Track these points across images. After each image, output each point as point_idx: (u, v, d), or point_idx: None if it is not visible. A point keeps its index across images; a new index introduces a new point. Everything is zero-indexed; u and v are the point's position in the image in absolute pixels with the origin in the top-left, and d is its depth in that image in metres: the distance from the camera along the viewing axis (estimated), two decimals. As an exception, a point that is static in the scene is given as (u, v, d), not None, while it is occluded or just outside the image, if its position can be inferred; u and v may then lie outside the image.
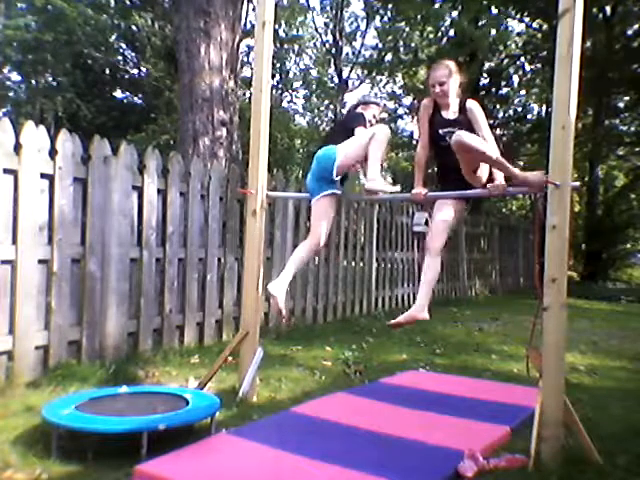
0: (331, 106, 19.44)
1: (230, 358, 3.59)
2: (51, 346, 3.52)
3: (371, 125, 3.48)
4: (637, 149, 15.60)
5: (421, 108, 3.34)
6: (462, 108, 3.21)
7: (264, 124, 3.41)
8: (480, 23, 12.42)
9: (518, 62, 15.52)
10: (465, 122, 3.16)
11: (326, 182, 3.29)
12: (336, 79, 19.15)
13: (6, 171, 3.29)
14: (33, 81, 13.38)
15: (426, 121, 3.31)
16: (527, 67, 15.79)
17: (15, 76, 13.81)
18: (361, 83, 19.84)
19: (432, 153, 3.35)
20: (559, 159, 2.51)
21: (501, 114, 16.74)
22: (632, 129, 15.90)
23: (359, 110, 3.57)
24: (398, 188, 3.29)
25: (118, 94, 15.57)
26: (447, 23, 13.20)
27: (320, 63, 19.95)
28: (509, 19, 14.22)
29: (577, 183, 2.63)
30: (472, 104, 3.19)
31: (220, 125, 6.48)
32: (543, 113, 16.12)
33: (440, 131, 3.22)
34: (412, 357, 4.72)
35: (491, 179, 3.11)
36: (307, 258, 3.37)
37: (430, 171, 5.90)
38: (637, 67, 13.03)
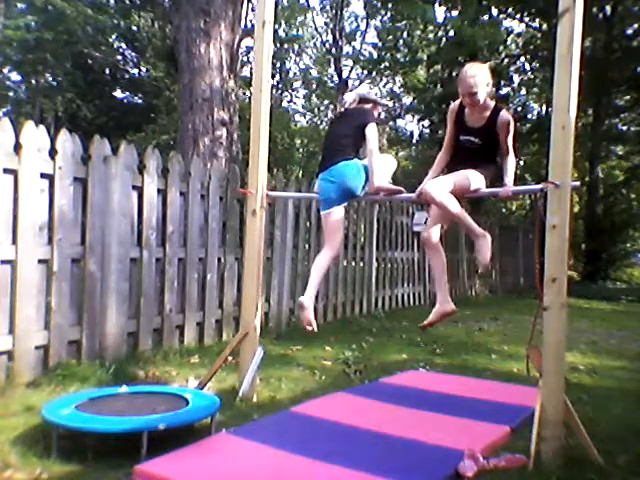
0: (331, 106, 19.43)
1: (230, 358, 3.59)
2: (51, 346, 3.52)
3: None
4: (638, 148, 15.59)
5: (448, 112, 3.27)
6: (492, 117, 3.08)
7: (264, 124, 3.41)
8: (477, 24, 12.41)
9: (518, 62, 15.52)
10: (487, 134, 3.09)
11: (348, 196, 3.38)
12: (336, 79, 19.15)
13: (6, 171, 3.29)
14: (33, 81, 13.38)
15: (452, 125, 3.25)
16: (527, 67, 15.80)
17: (15, 76, 13.82)
18: (361, 83, 19.84)
19: (453, 153, 3.30)
20: (559, 159, 2.51)
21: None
22: (632, 129, 15.90)
23: (368, 107, 3.55)
24: (402, 189, 3.36)
25: (118, 94, 15.59)
26: (448, 24, 13.21)
27: (320, 63, 19.95)
28: (509, 19, 14.24)
29: (577, 183, 2.64)
30: (505, 119, 3.06)
31: (220, 125, 6.49)
32: (543, 113, 16.12)
33: (461, 137, 3.18)
34: (412, 357, 4.72)
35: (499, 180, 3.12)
36: (328, 267, 3.49)
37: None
38: (637, 67, 13.04)
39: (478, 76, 3.00)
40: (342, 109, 3.56)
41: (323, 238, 6.19)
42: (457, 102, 3.22)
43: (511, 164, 3.14)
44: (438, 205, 3.01)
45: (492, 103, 3.11)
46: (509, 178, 3.10)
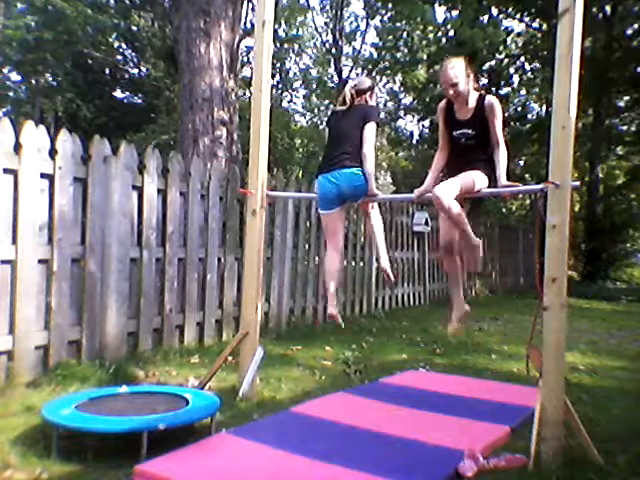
0: (331, 106, 19.42)
1: (230, 358, 3.59)
2: (51, 346, 3.52)
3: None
4: (638, 148, 15.58)
5: (438, 112, 3.31)
6: (479, 105, 3.11)
7: (264, 124, 3.41)
8: (477, 24, 12.38)
9: (518, 62, 15.51)
10: (478, 123, 3.11)
11: (347, 201, 3.45)
12: (336, 79, 19.14)
13: (6, 171, 3.29)
14: (33, 81, 13.37)
15: (443, 124, 3.28)
16: (527, 67, 15.79)
17: (15, 76, 13.81)
18: (361, 83, 19.76)
19: (450, 152, 3.31)
20: (559, 159, 2.51)
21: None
22: (632, 129, 15.90)
23: (366, 100, 3.51)
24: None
25: (118, 94, 15.58)
26: (447, 24, 13.20)
27: (320, 63, 19.95)
28: (509, 19, 14.23)
29: (577, 183, 2.63)
30: (491, 102, 3.09)
31: (220, 125, 6.49)
32: (543, 113, 16.12)
33: (454, 133, 3.20)
34: (412, 357, 4.72)
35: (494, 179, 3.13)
36: (339, 268, 3.60)
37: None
38: (637, 67, 13.04)
39: (457, 67, 3.07)
40: (346, 106, 3.49)
41: (323, 238, 6.21)
42: (444, 101, 3.26)
43: (503, 157, 3.11)
44: (444, 210, 3.02)
45: (477, 93, 3.14)
46: (500, 171, 3.08)
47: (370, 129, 3.36)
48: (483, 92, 3.17)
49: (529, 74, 16.17)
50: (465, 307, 3.50)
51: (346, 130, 3.40)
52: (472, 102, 3.13)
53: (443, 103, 3.26)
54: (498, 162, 3.11)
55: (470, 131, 3.13)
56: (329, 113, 4.09)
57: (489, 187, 3.16)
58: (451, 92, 3.09)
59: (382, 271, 3.70)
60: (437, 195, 2.97)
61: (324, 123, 20.03)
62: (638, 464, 2.38)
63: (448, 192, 2.98)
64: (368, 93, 3.53)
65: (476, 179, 3.07)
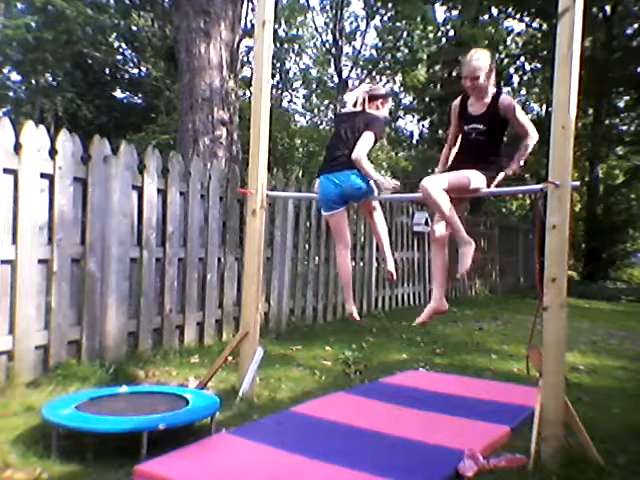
0: (331, 106, 19.43)
1: (230, 358, 3.59)
2: (51, 346, 3.52)
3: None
4: (638, 148, 15.58)
5: (452, 108, 3.31)
6: (494, 102, 3.09)
7: (264, 124, 3.41)
8: (477, 24, 12.37)
9: (518, 62, 15.52)
10: (490, 119, 3.10)
11: (348, 202, 3.46)
12: (336, 79, 19.14)
13: (6, 171, 3.29)
14: (33, 81, 13.36)
15: (455, 119, 3.29)
16: (527, 67, 15.81)
17: (15, 76, 13.80)
18: (361, 83, 19.79)
19: (459, 148, 3.31)
20: (559, 159, 2.51)
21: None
22: (632, 129, 15.91)
23: (378, 108, 3.47)
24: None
25: (118, 94, 15.56)
26: (447, 23, 13.22)
27: (320, 63, 19.93)
28: (509, 19, 14.25)
29: (577, 183, 2.63)
30: (506, 100, 3.09)
31: (220, 125, 6.49)
32: (543, 113, 16.13)
33: (465, 127, 3.19)
34: (412, 357, 4.72)
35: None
36: (350, 265, 3.63)
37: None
38: (637, 67, 13.06)
39: (482, 60, 3.06)
40: (354, 109, 3.43)
41: (324, 238, 6.23)
42: (458, 98, 3.27)
43: (531, 142, 3.12)
44: (431, 202, 3.00)
45: (493, 89, 3.14)
46: (518, 155, 3.13)
47: (365, 137, 3.29)
48: (498, 89, 3.16)
49: (529, 74, 16.19)
50: (442, 304, 3.22)
51: (348, 133, 3.36)
52: (488, 98, 3.12)
53: (457, 100, 3.27)
54: (525, 146, 3.14)
55: (481, 126, 3.12)
56: (335, 114, 4.08)
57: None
58: (469, 84, 3.08)
59: (387, 273, 3.70)
60: (424, 186, 2.96)
61: (324, 123, 20.05)
62: (638, 464, 2.38)
63: (435, 183, 2.97)
64: (380, 100, 3.48)
65: (472, 178, 3.05)
